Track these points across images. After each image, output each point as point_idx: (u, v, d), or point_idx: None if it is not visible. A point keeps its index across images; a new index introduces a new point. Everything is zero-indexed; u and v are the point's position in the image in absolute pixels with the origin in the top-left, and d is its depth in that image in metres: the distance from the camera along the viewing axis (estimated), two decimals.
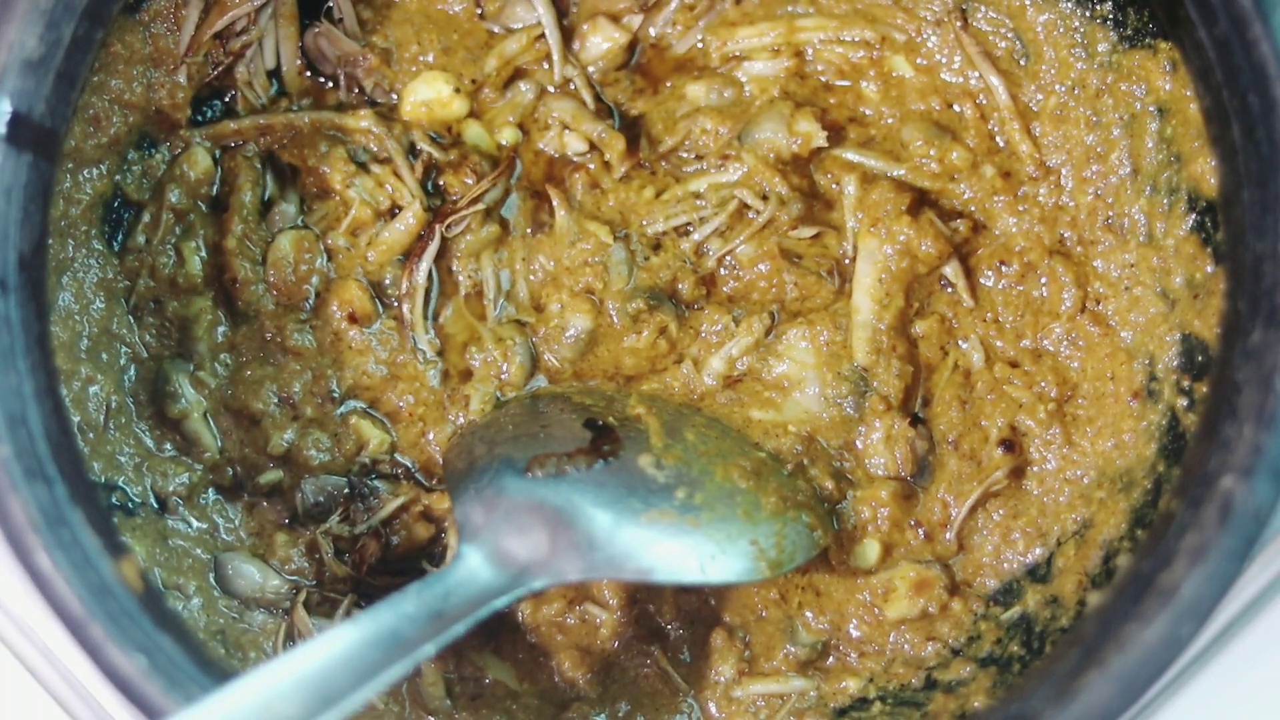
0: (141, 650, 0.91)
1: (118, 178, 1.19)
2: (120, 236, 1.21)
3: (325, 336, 1.23)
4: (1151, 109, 1.16)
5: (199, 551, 1.17)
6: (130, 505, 1.15)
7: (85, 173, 1.16)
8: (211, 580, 1.17)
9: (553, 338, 1.24)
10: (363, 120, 1.26)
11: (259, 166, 1.25)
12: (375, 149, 1.26)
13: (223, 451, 1.20)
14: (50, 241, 1.05)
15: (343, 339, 1.23)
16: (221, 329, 1.22)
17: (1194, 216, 1.11)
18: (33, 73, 0.98)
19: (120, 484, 1.15)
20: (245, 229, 1.23)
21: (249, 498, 1.21)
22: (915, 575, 1.19)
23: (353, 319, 1.23)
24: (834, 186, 1.27)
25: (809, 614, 1.20)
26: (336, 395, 1.23)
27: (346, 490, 1.21)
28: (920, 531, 1.21)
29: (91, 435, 1.14)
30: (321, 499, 1.21)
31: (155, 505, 1.16)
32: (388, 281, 1.25)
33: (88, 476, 0.99)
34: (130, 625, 0.92)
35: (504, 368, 1.23)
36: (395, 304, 1.24)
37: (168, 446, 1.19)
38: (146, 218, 1.21)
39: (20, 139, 0.97)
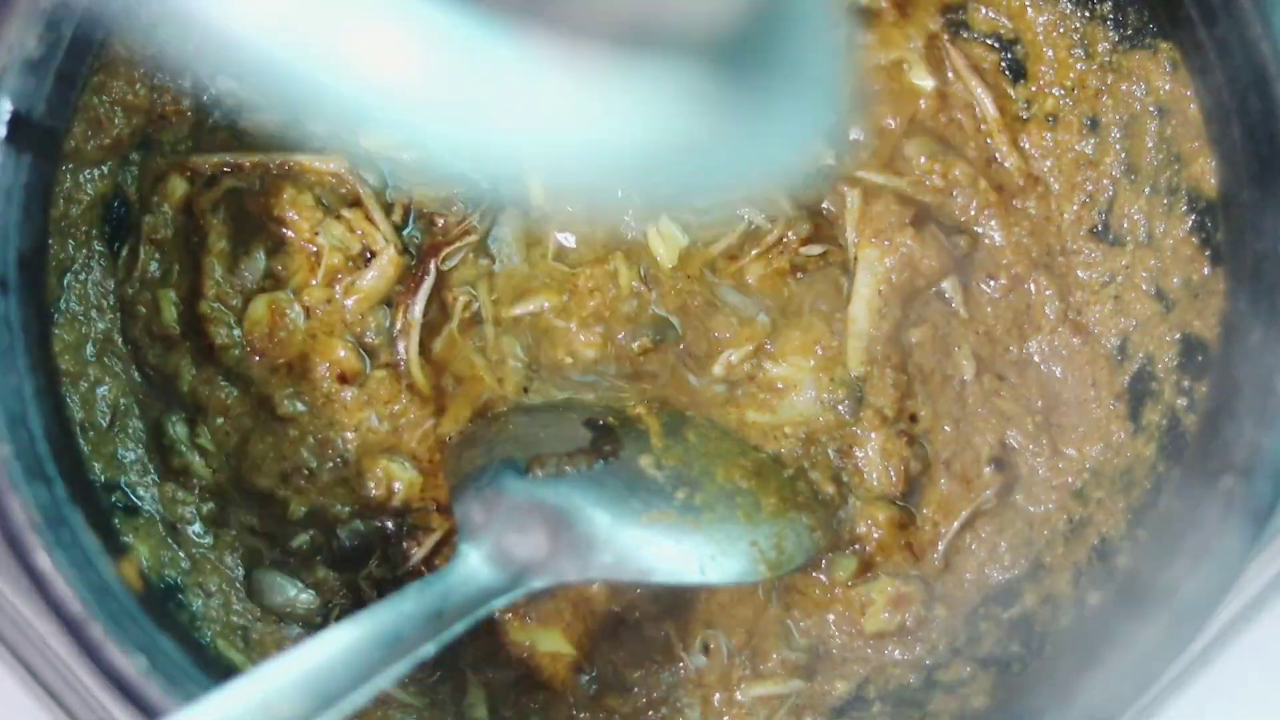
0: (141, 650, 0.91)
1: (120, 179, 1.19)
2: (119, 245, 1.19)
3: (317, 399, 1.19)
4: (1151, 109, 1.16)
5: (227, 557, 1.16)
6: (133, 505, 1.14)
7: (86, 173, 1.15)
8: (238, 583, 1.15)
9: (553, 365, 1.22)
10: (331, 163, 1.20)
11: (226, 219, 1.20)
12: (344, 192, 1.21)
13: (246, 527, 1.17)
14: (50, 241, 1.05)
15: (335, 400, 1.19)
16: (206, 389, 1.18)
17: (1194, 217, 1.11)
18: (33, 73, 0.98)
19: (122, 484, 1.14)
20: (218, 290, 1.19)
21: (281, 555, 1.18)
22: (893, 590, 1.19)
23: (343, 379, 1.19)
24: (829, 208, 1.26)
25: (796, 613, 1.20)
26: (345, 453, 1.20)
27: (381, 533, 1.19)
28: (908, 552, 1.21)
29: (93, 434, 1.13)
30: (357, 542, 1.18)
31: (161, 519, 1.15)
32: (370, 332, 1.20)
33: (88, 476, 0.99)
34: (130, 625, 0.92)
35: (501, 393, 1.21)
36: (390, 347, 1.20)
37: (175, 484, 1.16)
38: (124, 253, 1.17)
39: (20, 139, 0.97)
